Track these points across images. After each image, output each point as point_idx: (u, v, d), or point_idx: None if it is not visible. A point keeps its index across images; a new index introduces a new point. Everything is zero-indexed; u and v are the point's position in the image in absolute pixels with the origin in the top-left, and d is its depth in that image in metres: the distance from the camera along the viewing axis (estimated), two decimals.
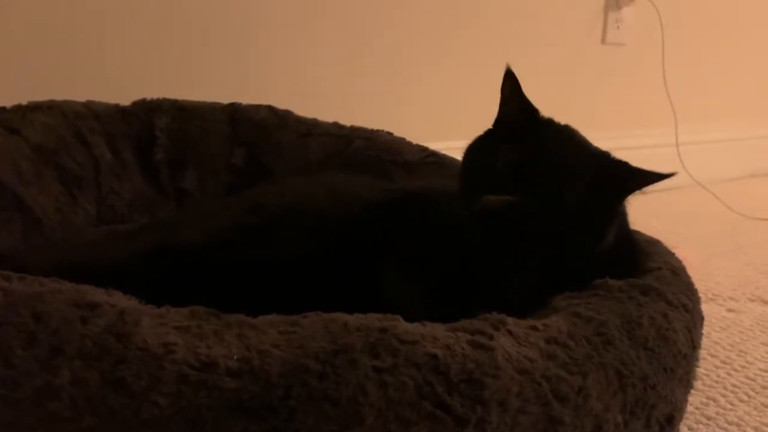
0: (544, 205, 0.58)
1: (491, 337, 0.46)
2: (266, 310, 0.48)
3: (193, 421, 0.39)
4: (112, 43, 1.15)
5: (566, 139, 0.65)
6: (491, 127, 0.68)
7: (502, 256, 0.61)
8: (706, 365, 0.85)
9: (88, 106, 0.98)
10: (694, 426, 0.71)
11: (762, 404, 0.76)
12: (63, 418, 0.39)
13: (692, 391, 0.64)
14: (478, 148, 0.68)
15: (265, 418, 0.39)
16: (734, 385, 0.80)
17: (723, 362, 0.87)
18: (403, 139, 1.13)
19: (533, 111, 0.65)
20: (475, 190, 0.60)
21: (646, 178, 0.60)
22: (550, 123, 0.66)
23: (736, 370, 0.84)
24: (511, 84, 0.65)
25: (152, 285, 0.51)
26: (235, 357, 0.41)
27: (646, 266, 0.67)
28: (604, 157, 0.63)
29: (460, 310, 0.51)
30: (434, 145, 1.13)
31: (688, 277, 0.67)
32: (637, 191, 0.61)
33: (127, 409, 0.39)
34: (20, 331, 0.42)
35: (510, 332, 0.48)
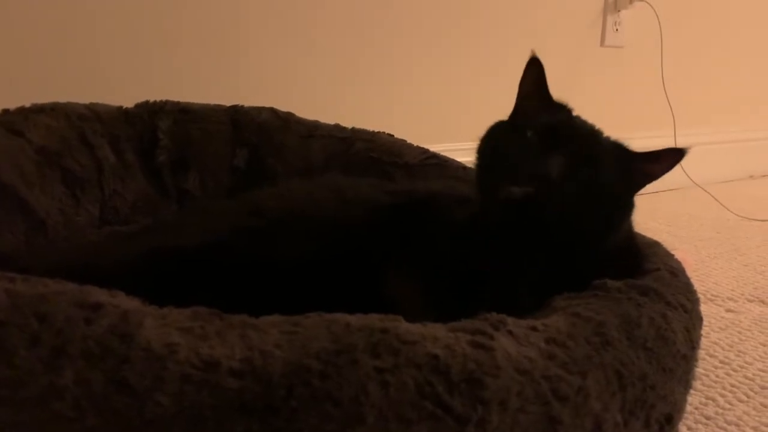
0: (568, 196, 0.59)
1: (491, 337, 0.46)
2: (269, 312, 0.48)
3: (196, 420, 0.39)
4: (115, 45, 1.16)
5: (589, 125, 0.67)
6: (508, 118, 0.69)
7: (515, 249, 0.61)
8: (705, 365, 0.85)
9: (92, 108, 0.99)
10: (694, 426, 0.72)
11: (761, 404, 0.77)
12: (66, 419, 0.40)
13: (691, 391, 0.64)
14: (497, 133, 0.68)
15: (267, 418, 0.40)
16: (733, 385, 0.81)
17: (722, 362, 0.87)
18: (404, 140, 1.13)
19: (554, 107, 0.66)
20: (502, 170, 0.61)
21: (672, 157, 0.62)
22: (569, 114, 0.67)
23: (734, 370, 0.85)
24: (535, 74, 0.66)
25: (154, 287, 0.51)
26: (237, 357, 0.41)
27: (645, 267, 0.67)
28: (623, 145, 0.66)
29: (462, 313, 0.52)
30: (435, 147, 1.13)
31: (687, 278, 0.67)
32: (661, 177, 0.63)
33: (130, 409, 0.39)
34: (24, 332, 0.42)
35: (510, 332, 0.48)
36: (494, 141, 0.67)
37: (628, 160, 0.64)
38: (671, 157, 0.62)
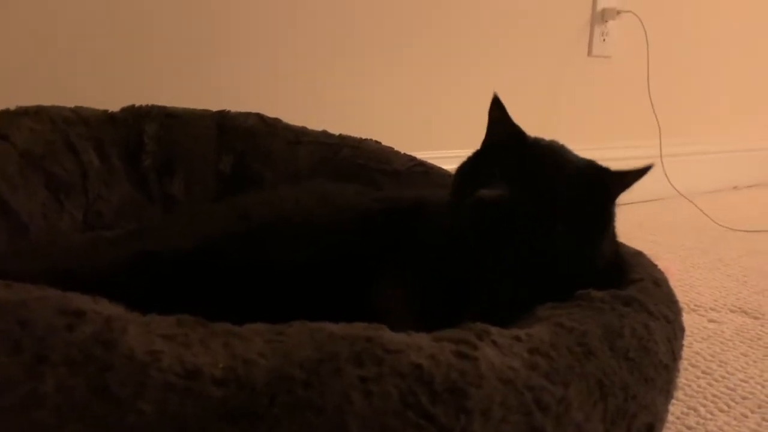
0: (538, 203, 0.60)
1: (475, 347, 0.46)
2: (253, 318, 0.48)
3: (179, 429, 0.39)
4: (101, 49, 1.15)
5: (555, 151, 0.67)
6: (479, 149, 0.70)
7: (491, 258, 0.62)
8: (687, 375, 0.86)
9: (77, 111, 0.98)
10: None
11: (741, 414, 0.77)
12: (48, 426, 0.39)
13: (673, 401, 0.65)
14: (468, 166, 0.69)
15: (250, 427, 0.40)
16: (714, 395, 0.81)
17: (704, 372, 0.88)
18: (392, 148, 1.14)
19: (521, 134, 0.67)
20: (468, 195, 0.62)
21: (628, 178, 0.63)
22: (537, 140, 0.68)
23: (716, 380, 0.85)
24: (498, 111, 0.67)
25: (138, 292, 0.51)
26: (220, 365, 0.41)
27: (629, 278, 0.68)
28: (590, 164, 0.66)
29: (447, 321, 0.52)
30: (421, 155, 1.14)
31: (669, 289, 0.68)
32: (623, 192, 0.64)
33: (112, 416, 0.39)
34: (5, 338, 0.42)
35: (494, 342, 0.48)
36: (461, 177, 0.69)
37: (596, 178, 0.64)
38: (633, 175, 0.62)
